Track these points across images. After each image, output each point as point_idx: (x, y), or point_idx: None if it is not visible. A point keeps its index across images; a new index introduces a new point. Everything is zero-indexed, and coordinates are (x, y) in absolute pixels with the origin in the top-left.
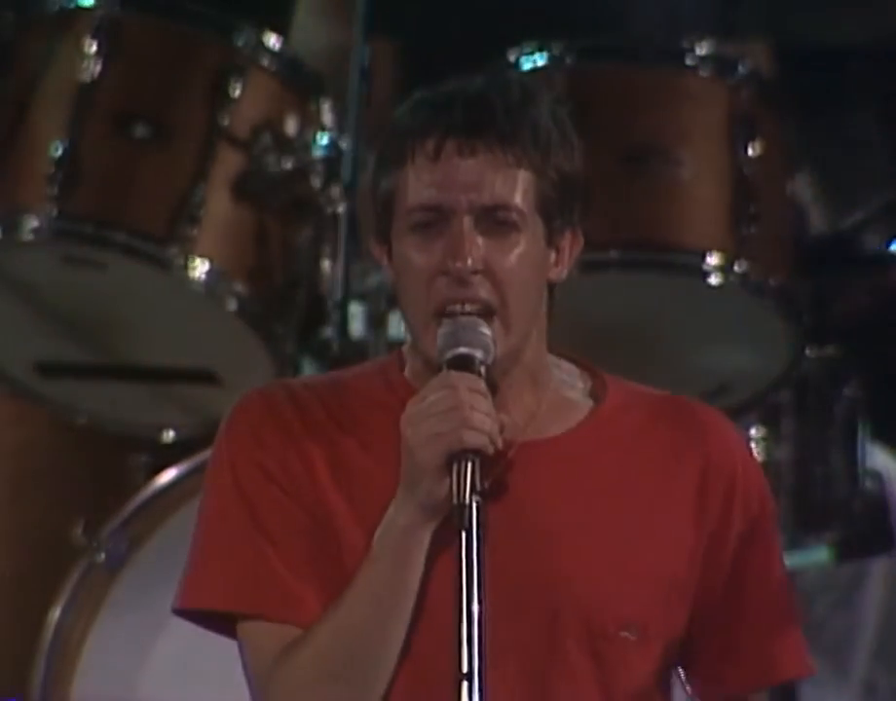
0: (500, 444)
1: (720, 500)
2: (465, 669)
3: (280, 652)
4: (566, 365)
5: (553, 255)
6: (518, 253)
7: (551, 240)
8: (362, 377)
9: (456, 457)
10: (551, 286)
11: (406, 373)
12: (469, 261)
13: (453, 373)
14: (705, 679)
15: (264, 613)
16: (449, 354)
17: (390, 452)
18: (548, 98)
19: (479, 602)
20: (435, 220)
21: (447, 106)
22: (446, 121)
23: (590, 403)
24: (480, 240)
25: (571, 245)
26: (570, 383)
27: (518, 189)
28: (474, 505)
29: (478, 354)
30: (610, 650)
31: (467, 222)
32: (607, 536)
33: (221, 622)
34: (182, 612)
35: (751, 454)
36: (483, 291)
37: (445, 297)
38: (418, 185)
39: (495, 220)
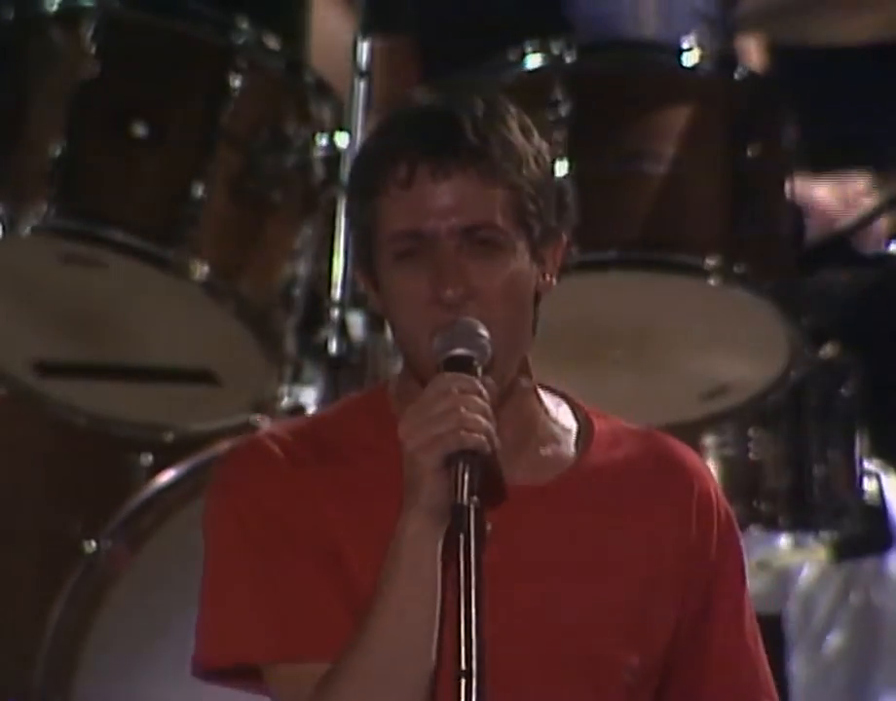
0: (497, 444)
1: (699, 536)
2: (463, 667)
3: (314, 688)
4: (550, 396)
5: (539, 267)
6: (505, 273)
7: (535, 253)
8: (349, 417)
9: (453, 459)
10: (536, 299)
11: (394, 402)
12: (459, 287)
13: (447, 375)
14: None
15: (291, 656)
16: (445, 356)
17: (378, 485)
18: (513, 110)
19: (478, 602)
20: (418, 247)
21: (414, 129)
22: (416, 145)
23: (575, 442)
24: (466, 264)
25: (554, 255)
26: (558, 417)
27: (494, 206)
28: (473, 506)
29: (475, 355)
30: (610, 693)
31: (450, 247)
32: (598, 583)
33: (244, 675)
34: (203, 673)
35: (721, 492)
36: (474, 315)
37: (437, 324)
38: (395, 214)
39: (478, 240)
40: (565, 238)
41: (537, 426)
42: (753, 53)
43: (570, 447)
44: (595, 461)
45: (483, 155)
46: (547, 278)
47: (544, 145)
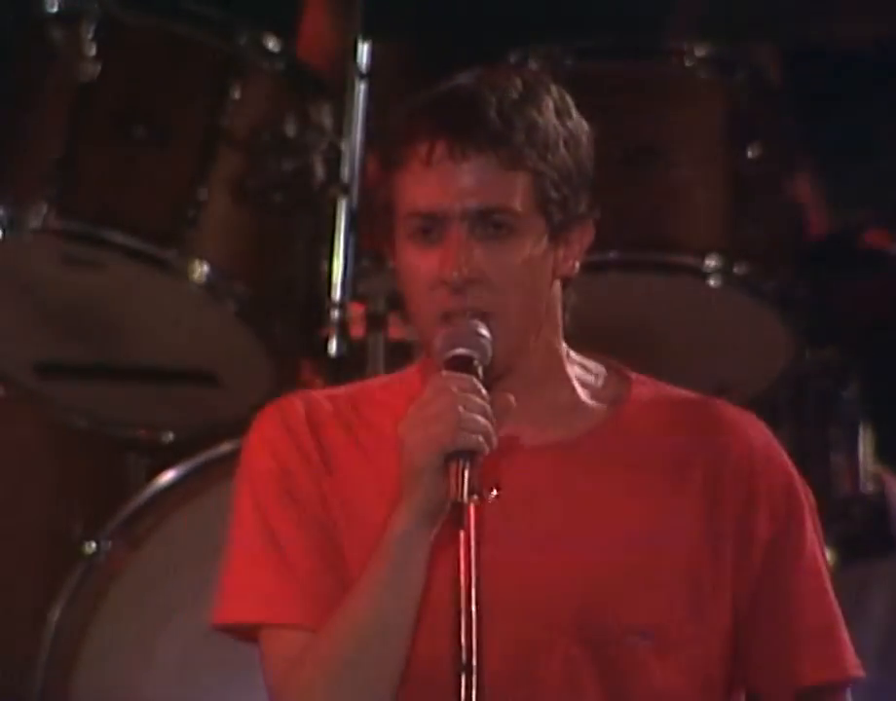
0: (494, 444)
1: (738, 500)
2: (464, 661)
3: (292, 658)
4: (592, 365)
5: (560, 251)
6: (516, 257)
7: (556, 238)
8: (386, 388)
9: (451, 458)
10: (565, 282)
11: (422, 380)
12: (465, 270)
13: (447, 374)
14: (761, 688)
15: (281, 621)
16: (446, 356)
17: (395, 462)
18: (555, 91)
19: (477, 598)
20: (432, 226)
21: (439, 108)
22: (437, 124)
23: (605, 407)
24: (476, 247)
25: (581, 239)
26: (591, 384)
27: (514, 191)
28: (471, 505)
29: (475, 355)
30: (618, 656)
31: (463, 228)
32: (612, 542)
33: (252, 635)
34: (217, 628)
35: (779, 452)
36: (480, 299)
37: (445, 305)
38: (413, 191)
39: (491, 224)
40: (591, 224)
41: (558, 394)
42: (755, 53)
43: (599, 412)
44: (623, 423)
45: (504, 138)
46: (571, 263)
47: (583, 129)
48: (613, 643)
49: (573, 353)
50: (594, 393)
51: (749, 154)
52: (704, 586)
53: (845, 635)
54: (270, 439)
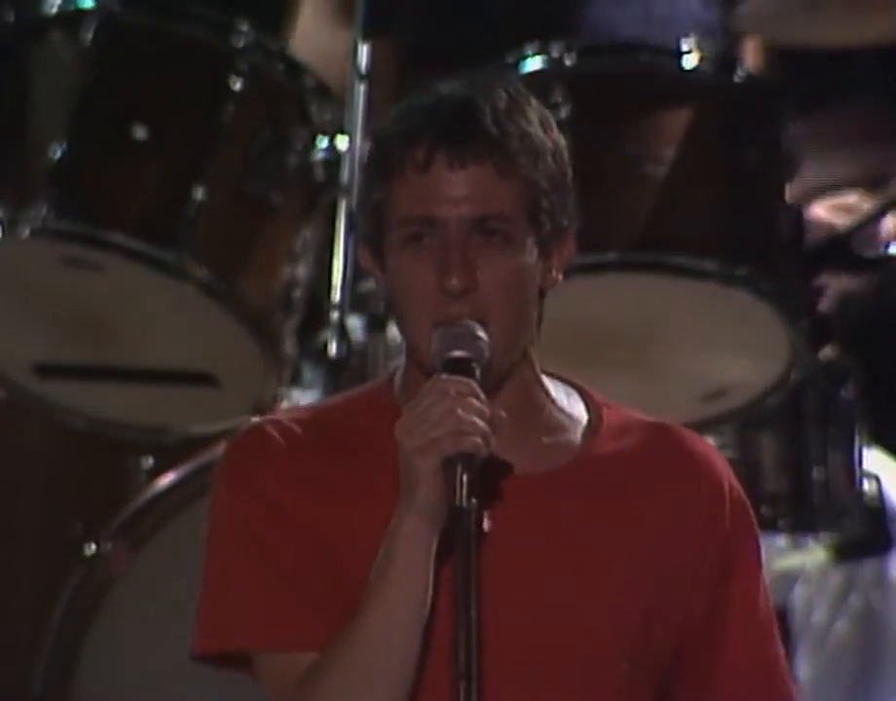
0: (493, 446)
1: (705, 532)
2: (462, 669)
3: (300, 679)
4: (562, 386)
5: (545, 263)
6: (511, 266)
7: (543, 249)
8: (352, 404)
9: (451, 461)
10: (541, 294)
11: (398, 394)
12: (464, 278)
13: (445, 376)
14: None
15: (279, 645)
16: (443, 358)
17: (379, 479)
18: (535, 103)
19: (476, 605)
20: (427, 233)
21: (435, 115)
22: (435, 131)
23: (581, 435)
24: (472, 255)
25: (562, 251)
26: (566, 409)
27: (507, 199)
28: (471, 509)
29: (472, 357)
30: (605, 682)
31: (459, 236)
32: (596, 572)
33: (239, 662)
34: (199, 659)
35: (738, 484)
36: (476, 307)
37: (440, 313)
38: (408, 198)
39: (486, 233)
40: (572, 238)
41: (539, 416)
42: (750, 54)
43: (576, 437)
44: (600, 451)
45: (501, 147)
46: (553, 274)
47: (562, 141)
48: (604, 672)
49: (545, 375)
50: (569, 419)
51: (748, 155)
52: (668, 614)
53: (784, 669)
54: (249, 464)
